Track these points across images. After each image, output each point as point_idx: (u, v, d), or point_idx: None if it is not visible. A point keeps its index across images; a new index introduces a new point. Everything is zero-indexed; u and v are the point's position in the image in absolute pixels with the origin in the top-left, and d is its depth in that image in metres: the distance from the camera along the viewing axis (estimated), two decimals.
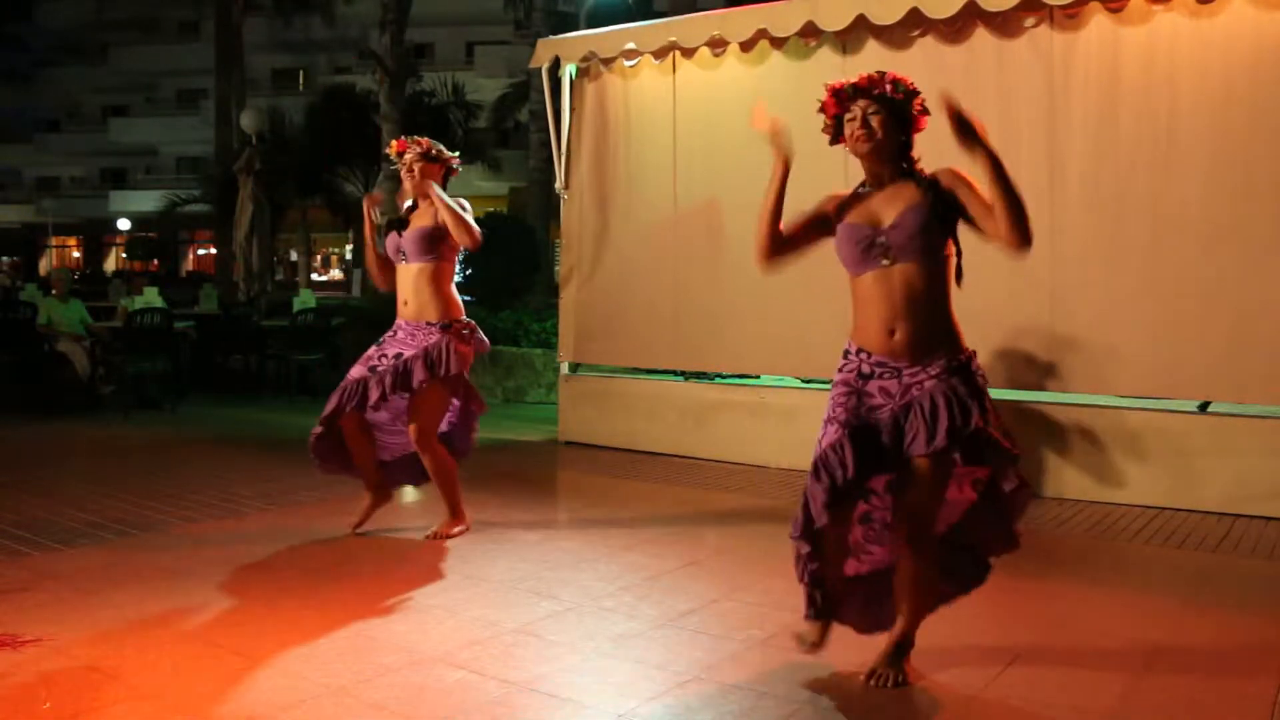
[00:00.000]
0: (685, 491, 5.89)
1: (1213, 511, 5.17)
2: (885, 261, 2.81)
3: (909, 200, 2.82)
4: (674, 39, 6.65)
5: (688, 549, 4.51)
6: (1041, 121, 5.61)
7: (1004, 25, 5.67)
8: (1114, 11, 5.42)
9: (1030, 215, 2.69)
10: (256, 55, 30.17)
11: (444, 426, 4.67)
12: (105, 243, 43.12)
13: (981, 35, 5.75)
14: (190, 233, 38.77)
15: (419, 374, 4.35)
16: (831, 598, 2.90)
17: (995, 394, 5.70)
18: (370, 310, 11.03)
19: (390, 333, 4.53)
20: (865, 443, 2.77)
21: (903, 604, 2.96)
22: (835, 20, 5.91)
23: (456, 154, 4.62)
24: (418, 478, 4.80)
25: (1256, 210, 5.11)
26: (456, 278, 4.66)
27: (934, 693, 2.92)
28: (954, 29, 5.80)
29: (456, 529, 4.63)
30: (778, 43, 6.42)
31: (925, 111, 2.90)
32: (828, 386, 3.01)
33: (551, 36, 7.76)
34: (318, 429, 4.46)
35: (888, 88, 2.84)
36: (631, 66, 7.08)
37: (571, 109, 7.36)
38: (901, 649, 2.97)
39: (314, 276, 32.99)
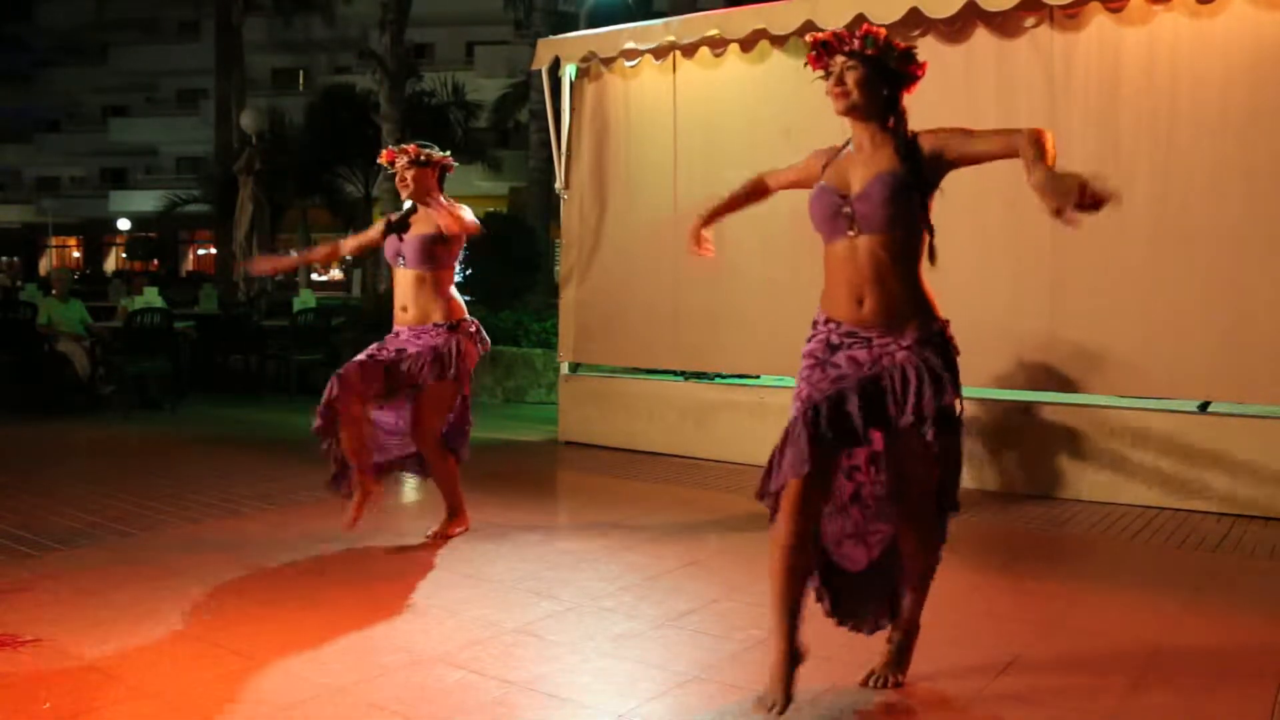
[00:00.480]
0: (685, 491, 5.89)
1: (1213, 512, 5.18)
2: (850, 232, 2.70)
3: (881, 167, 2.68)
4: (674, 39, 6.66)
5: (688, 549, 4.51)
6: (1041, 121, 5.52)
7: (1004, 25, 5.67)
8: (1114, 12, 5.42)
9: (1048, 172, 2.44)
10: (256, 55, 30.13)
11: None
12: (105, 243, 43.06)
13: (981, 35, 5.75)
14: (190, 233, 38.74)
15: (428, 370, 4.32)
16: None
17: (996, 394, 5.76)
18: (370, 311, 11.03)
19: (392, 335, 4.47)
20: (835, 411, 2.64)
21: (909, 587, 2.91)
22: (835, 20, 5.87)
23: (447, 153, 4.53)
24: (415, 468, 4.77)
25: (1257, 210, 5.12)
26: (456, 278, 4.65)
27: (933, 693, 2.92)
28: (954, 29, 5.80)
29: (457, 529, 4.63)
30: (778, 42, 6.42)
31: (915, 70, 2.73)
32: None
33: (552, 36, 7.77)
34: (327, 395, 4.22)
35: (856, 43, 2.67)
36: (631, 66, 7.08)
37: (571, 109, 7.36)
38: (904, 650, 2.96)
39: (314, 276, 32.92)
